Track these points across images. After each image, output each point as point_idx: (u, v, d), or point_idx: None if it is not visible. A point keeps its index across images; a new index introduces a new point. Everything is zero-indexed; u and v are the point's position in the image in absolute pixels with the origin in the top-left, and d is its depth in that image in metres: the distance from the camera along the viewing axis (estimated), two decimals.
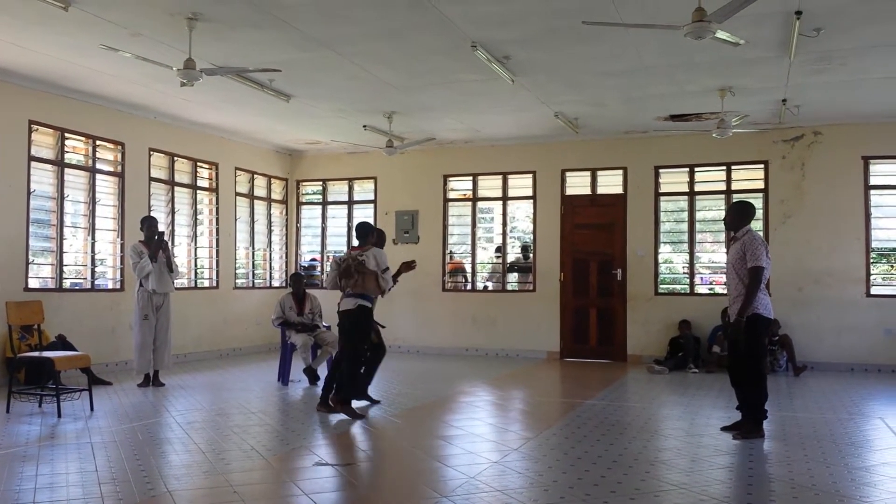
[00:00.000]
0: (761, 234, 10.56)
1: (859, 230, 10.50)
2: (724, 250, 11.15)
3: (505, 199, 12.48)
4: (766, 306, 6.05)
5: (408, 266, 7.60)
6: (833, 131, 10.67)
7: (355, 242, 7.20)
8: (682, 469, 5.08)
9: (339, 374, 6.98)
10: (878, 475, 4.97)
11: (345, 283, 6.95)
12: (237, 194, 12.26)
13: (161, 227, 9.02)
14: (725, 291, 6.37)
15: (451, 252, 12.80)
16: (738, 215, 6.32)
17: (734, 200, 6.72)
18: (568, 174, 12.05)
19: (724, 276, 11.21)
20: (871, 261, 10.59)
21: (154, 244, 8.57)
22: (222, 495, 4.40)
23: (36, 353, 7.33)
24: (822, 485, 4.64)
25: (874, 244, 10.64)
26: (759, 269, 5.92)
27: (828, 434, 6.18)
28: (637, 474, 4.94)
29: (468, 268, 12.70)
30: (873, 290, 10.48)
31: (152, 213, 9.99)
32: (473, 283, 12.63)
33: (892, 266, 11.00)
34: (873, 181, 10.58)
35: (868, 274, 10.48)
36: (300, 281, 9.42)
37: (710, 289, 11.51)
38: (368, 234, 7.09)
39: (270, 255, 13.16)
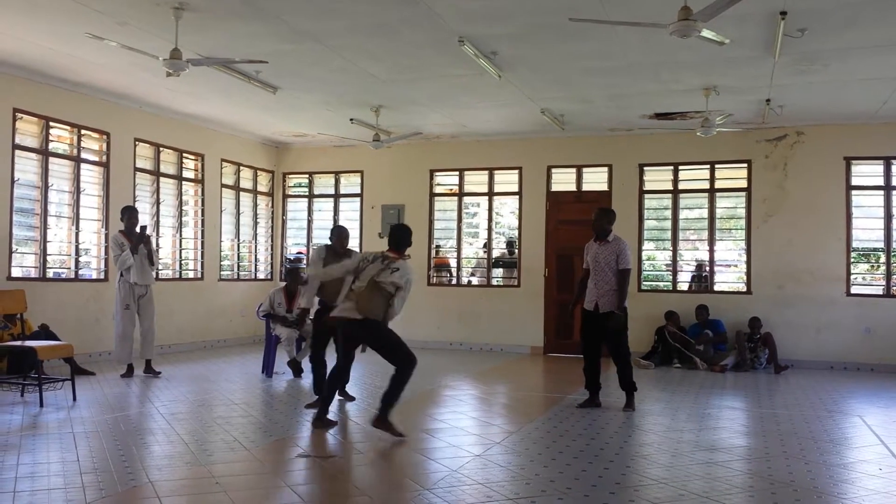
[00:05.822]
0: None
1: (840, 230, 10.61)
2: (708, 248, 11.32)
3: (491, 194, 12.51)
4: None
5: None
6: (816, 132, 10.77)
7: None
8: (662, 464, 5.13)
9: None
10: (856, 472, 5.04)
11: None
12: (223, 186, 12.21)
13: (146, 219, 8.96)
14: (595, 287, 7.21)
15: (437, 246, 12.82)
16: (610, 221, 7.19)
17: (600, 207, 7.49)
18: (554, 170, 12.10)
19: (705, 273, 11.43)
20: (852, 260, 10.71)
21: (136, 237, 8.54)
22: (204, 486, 4.41)
23: (18, 343, 7.29)
24: (801, 481, 4.71)
25: (854, 244, 10.75)
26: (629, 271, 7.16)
27: (807, 431, 6.26)
28: (618, 469, 5.00)
29: (453, 262, 12.71)
30: (853, 290, 10.60)
31: (137, 204, 9.94)
32: (458, 277, 12.66)
33: (871, 266, 11.12)
34: (854, 182, 10.69)
35: (848, 273, 10.60)
36: (297, 277, 9.05)
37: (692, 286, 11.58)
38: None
39: (256, 247, 13.13)
